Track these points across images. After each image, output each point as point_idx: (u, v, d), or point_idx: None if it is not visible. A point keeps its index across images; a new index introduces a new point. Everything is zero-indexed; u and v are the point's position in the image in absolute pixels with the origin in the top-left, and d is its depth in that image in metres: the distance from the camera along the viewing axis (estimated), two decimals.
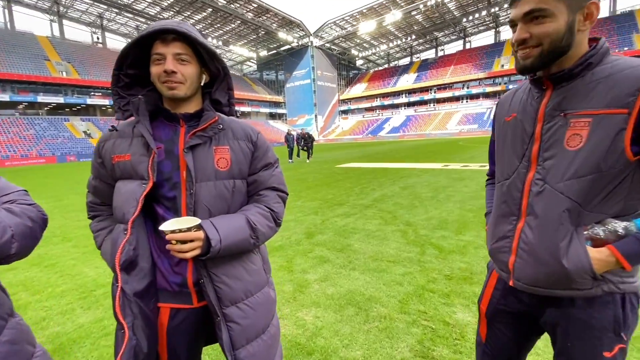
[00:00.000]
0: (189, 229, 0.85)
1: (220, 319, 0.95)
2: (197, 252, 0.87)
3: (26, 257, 0.79)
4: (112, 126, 1.02)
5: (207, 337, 1.09)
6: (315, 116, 64.75)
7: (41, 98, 36.74)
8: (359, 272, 3.09)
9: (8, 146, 30.36)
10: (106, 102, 41.58)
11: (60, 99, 38.10)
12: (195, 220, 0.87)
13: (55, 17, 46.32)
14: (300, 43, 62.77)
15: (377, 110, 65.13)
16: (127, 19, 50.05)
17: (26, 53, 38.20)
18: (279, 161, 1.15)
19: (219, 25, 53.61)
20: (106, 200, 1.06)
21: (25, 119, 35.75)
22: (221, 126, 1.02)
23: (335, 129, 66.79)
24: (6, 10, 41.90)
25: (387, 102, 63.24)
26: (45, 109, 39.34)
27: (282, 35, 58.32)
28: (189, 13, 48.58)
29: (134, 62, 0.98)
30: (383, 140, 48.47)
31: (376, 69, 75.46)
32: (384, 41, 65.43)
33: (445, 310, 2.37)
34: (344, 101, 70.68)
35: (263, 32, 57.82)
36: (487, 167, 1.26)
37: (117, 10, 46.96)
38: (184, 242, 0.85)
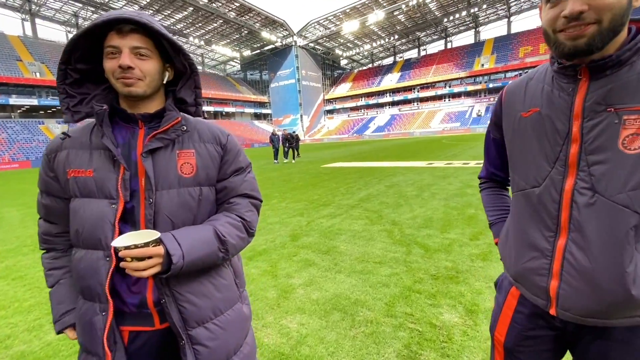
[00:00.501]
0: (146, 244, 0.75)
1: (185, 343, 0.85)
2: (156, 269, 0.77)
3: None
4: (64, 133, 0.91)
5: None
6: (301, 116, 64.54)
7: (13, 100, 35.07)
8: (345, 274, 3.03)
9: None
10: None
11: (34, 101, 36.50)
12: (153, 234, 0.78)
13: (27, 16, 44.29)
14: (284, 43, 62.40)
15: (362, 110, 65.54)
16: None
17: None
18: (252, 166, 1.07)
19: (200, 24, 52.66)
20: (61, 224, 0.95)
21: None
22: (185, 127, 0.92)
23: (321, 128, 66.81)
24: None
25: (371, 101, 63.72)
26: (18, 111, 37.62)
27: (265, 34, 57.83)
28: (169, 12, 47.51)
29: (86, 56, 0.87)
30: (368, 140, 48.79)
31: (360, 69, 75.94)
32: (368, 41, 65.91)
33: (431, 311, 2.34)
34: (329, 101, 70.77)
35: (246, 32, 57.17)
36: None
37: (93, 9, 45.33)
38: (140, 259, 0.75)
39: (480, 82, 50.91)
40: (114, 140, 0.86)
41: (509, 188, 1.10)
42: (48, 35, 49.17)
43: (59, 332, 0.95)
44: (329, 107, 70.61)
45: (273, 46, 63.45)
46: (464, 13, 54.16)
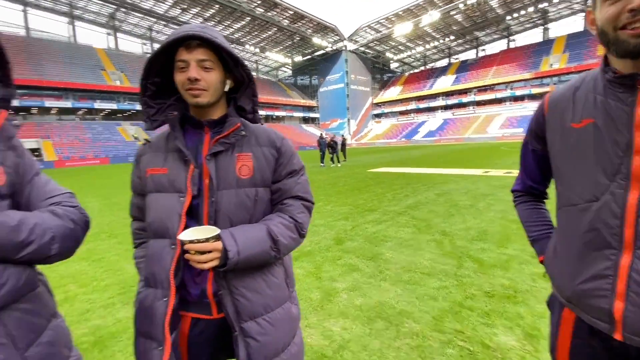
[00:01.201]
0: (207, 240, 0.82)
1: (238, 334, 0.91)
2: (215, 263, 0.84)
3: (68, 257, 0.81)
4: (146, 139, 1.04)
5: (227, 352, 1.04)
6: (348, 120, 64.61)
7: (97, 105, 40.41)
8: (390, 283, 2.96)
9: (69, 148, 33.62)
10: None
11: (114, 105, 41.66)
12: (214, 230, 0.85)
13: (111, 31, 50.77)
14: (334, 47, 63.17)
15: (412, 114, 63.52)
16: (174, 30, 53.58)
17: (86, 64, 42.27)
18: (305, 169, 1.10)
19: (256, 33, 55.52)
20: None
21: (84, 123, 39.48)
22: (244, 132, 0.99)
23: (368, 132, 66.12)
24: (70, 26, 46.69)
25: (422, 105, 61.47)
26: (101, 114, 43.20)
27: (316, 40, 59.09)
28: (228, 22, 50.87)
29: (159, 70, 0.97)
30: (418, 145, 47.10)
31: (412, 72, 73.80)
32: (421, 43, 63.78)
33: (484, 331, 2.18)
34: (377, 105, 69.80)
35: (298, 38, 58.98)
36: None
37: (164, 23, 50.41)
38: (202, 252, 0.83)
39: (549, 84, 46.24)
40: (185, 143, 0.96)
41: (546, 202, 1.04)
42: (127, 47, 55.69)
43: None
44: (377, 111, 69.63)
45: (323, 51, 64.59)
46: (530, 9, 49.82)
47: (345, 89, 63.67)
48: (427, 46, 64.68)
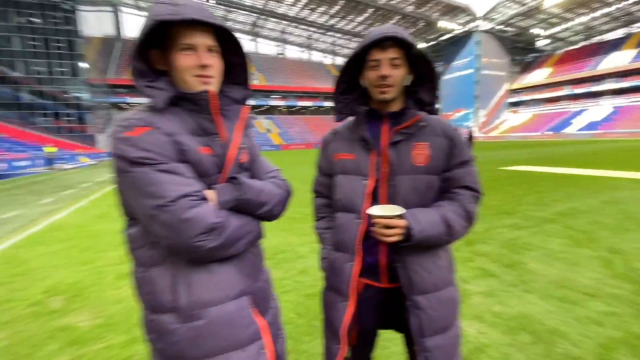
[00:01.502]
0: (393, 217, 0.94)
1: (411, 304, 1.01)
2: (397, 238, 0.96)
3: (279, 219, 1.01)
4: (334, 130, 1.23)
5: (389, 322, 1.16)
6: (476, 110, 57.45)
7: None
8: (537, 296, 2.60)
9: None
10: (281, 103, 50.61)
11: (252, 102, 48.92)
12: (399, 210, 0.96)
13: (253, 37, 59.32)
14: (464, 29, 56.75)
15: (564, 101, 51.58)
16: (302, 30, 58.59)
17: None
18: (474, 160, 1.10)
19: (379, 24, 55.01)
20: (328, 198, 1.25)
21: None
22: (423, 123, 1.06)
23: (500, 124, 57.37)
24: None
25: (580, 90, 49.12)
26: None
27: (443, 23, 54.28)
28: (352, 16, 52.07)
29: (347, 70, 1.11)
30: (571, 139, 38.12)
31: (567, 49, 59.55)
32: (584, 11, 50.44)
33: None
34: (515, 91, 59.52)
35: (423, 24, 55.50)
36: None
37: (295, 25, 55.58)
38: (387, 227, 0.95)
39: None
40: (369, 134, 1.09)
41: None
42: (264, 50, 64.16)
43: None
44: (514, 98, 59.39)
45: (450, 35, 58.87)
46: None
47: (474, 74, 56.71)
48: (594, 14, 50.66)
